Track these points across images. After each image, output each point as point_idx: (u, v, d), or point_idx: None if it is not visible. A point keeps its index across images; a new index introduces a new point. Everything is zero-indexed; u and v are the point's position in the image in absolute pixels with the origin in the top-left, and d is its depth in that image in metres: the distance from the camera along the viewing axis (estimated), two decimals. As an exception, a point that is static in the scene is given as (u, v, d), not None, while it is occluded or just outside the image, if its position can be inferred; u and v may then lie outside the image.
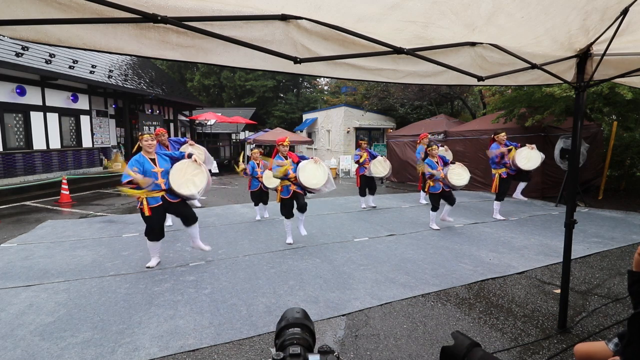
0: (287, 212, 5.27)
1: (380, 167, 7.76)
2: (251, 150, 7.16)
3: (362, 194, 8.09)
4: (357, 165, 8.19)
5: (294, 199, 5.24)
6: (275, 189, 5.64)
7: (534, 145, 6.57)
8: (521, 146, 6.64)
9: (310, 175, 5.03)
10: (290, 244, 5.32)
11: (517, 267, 4.36)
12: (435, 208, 6.17)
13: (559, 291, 3.24)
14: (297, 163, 5.15)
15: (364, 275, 4.11)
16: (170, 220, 6.39)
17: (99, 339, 2.81)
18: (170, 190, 4.19)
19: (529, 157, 6.54)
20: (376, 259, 4.65)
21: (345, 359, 2.59)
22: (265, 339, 2.86)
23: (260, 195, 6.86)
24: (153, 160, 4.19)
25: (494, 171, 6.90)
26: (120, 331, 2.93)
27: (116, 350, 2.67)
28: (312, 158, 5.25)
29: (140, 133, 4.29)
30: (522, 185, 7.06)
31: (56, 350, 2.66)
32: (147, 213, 4.13)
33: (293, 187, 5.21)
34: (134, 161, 4.09)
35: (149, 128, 15.66)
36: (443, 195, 6.10)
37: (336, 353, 0.76)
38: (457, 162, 6.21)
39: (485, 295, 3.67)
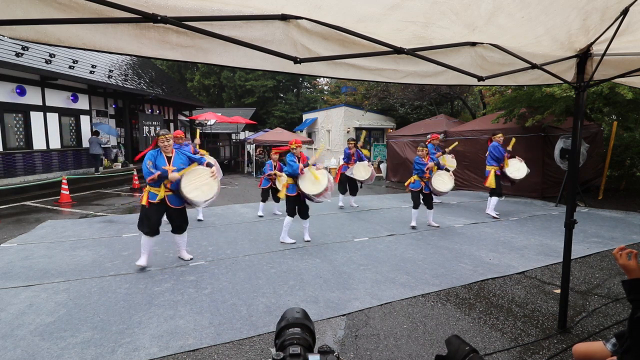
0: (290, 210, 5.34)
1: (363, 171, 7.93)
2: (271, 153, 7.37)
3: (342, 191, 8.21)
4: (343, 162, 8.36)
5: (298, 203, 5.34)
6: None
7: (522, 160, 7.08)
8: (512, 157, 7.09)
9: (309, 184, 5.16)
10: (282, 242, 5.35)
11: (517, 267, 4.36)
12: (415, 206, 6.28)
13: (559, 291, 3.24)
14: (306, 164, 5.28)
15: (364, 275, 4.11)
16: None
17: (99, 339, 2.81)
18: (176, 192, 4.29)
19: (518, 167, 6.99)
20: (376, 259, 4.65)
21: (345, 359, 2.59)
22: (265, 339, 2.86)
23: (271, 192, 7.18)
24: (169, 158, 4.29)
25: (488, 168, 7.17)
26: (120, 331, 2.93)
27: (116, 350, 2.67)
28: (314, 165, 5.30)
29: (157, 133, 4.37)
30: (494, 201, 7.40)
31: (56, 350, 2.66)
32: (144, 202, 4.25)
33: (299, 190, 5.30)
34: (149, 155, 4.25)
35: (149, 128, 15.68)
36: (423, 195, 6.26)
37: (336, 353, 0.76)
38: (448, 171, 6.36)
39: (485, 295, 3.67)
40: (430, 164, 6.13)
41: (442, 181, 6.16)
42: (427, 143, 8.58)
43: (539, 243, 5.31)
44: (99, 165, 13.13)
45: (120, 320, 3.10)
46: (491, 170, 7.08)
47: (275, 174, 6.88)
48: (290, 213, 5.33)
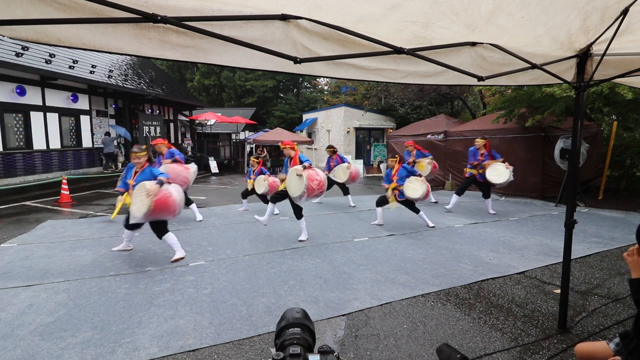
0: (273, 198, 6.00)
1: (341, 173, 8.10)
2: (251, 159, 7.90)
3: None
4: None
5: (290, 202, 5.63)
6: (265, 193, 6.96)
7: (511, 167, 7.01)
8: (503, 161, 7.14)
9: (290, 184, 5.44)
10: (256, 218, 6.14)
11: (517, 267, 4.36)
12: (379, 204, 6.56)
13: (559, 291, 3.24)
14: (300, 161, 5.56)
15: (364, 275, 4.11)
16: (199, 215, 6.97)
17: (99, 339, 2.81)
18: None
19: (499, 172, 7.01)
20: (376, 259, 4.65)
21: (345, 359, 2.59)
22: (265, 339, 2.86)
23: (251, 192, 7.72)
24: (136, 172, 4.56)
25: (466, 169, 7.63)
26: (120, 331, 2.93)
27: (116, 350, 2.67)
28: (303, 166, 5.32)
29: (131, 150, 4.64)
30: (489, 202, 7.59)
31: (56, 350, 2.66)
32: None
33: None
34: (127, 167, 4.74)
35: (149, 128, 15.67)
36: (400, 202, 6.31)
37: (336, 353, 0.76)
38: (420, 177, 6.30)
39: (485, 295, 3.67)
40: (386, 186, 6.34)
41: (414, 188, 6.08)
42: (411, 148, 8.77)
43: (539, 243, 5.31)
44: (114, 162, 14.15)
45: (120, 320, 3.10)
46: (466, 171, 7.66)
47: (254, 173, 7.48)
48: (273, 200, 5.98)
